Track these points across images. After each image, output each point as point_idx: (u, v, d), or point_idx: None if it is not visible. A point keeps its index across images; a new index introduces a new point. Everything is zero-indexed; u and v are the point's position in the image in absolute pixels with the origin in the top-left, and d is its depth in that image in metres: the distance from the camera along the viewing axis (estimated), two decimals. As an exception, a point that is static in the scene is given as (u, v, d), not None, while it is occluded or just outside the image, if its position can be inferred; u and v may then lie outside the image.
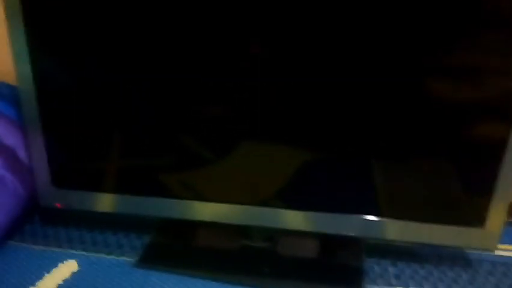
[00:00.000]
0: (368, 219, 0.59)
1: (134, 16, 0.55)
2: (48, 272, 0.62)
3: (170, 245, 0.68)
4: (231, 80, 0.56)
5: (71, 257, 0.65)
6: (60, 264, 0.63)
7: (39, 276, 0.61)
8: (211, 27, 0.54)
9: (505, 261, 0.65)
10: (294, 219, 0.61)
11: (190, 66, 0.56)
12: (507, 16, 0.49)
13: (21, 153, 0.66)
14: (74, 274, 0.62)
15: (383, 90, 0.54)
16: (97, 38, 0.57)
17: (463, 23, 0.50)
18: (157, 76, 0.57)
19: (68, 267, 0.63)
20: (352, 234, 0.60)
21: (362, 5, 0.50)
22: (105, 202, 0.64)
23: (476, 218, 0.57)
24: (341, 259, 0.64)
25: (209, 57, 0.55)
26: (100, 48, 0.57)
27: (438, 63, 0.52)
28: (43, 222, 0.72)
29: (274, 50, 0.54)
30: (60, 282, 0.61)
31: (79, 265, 0.64)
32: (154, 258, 0.65)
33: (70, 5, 0.56)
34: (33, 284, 0.60)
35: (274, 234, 0.66)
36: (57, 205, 0.65)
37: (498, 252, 0.64)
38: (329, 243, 0.66)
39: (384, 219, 0.59)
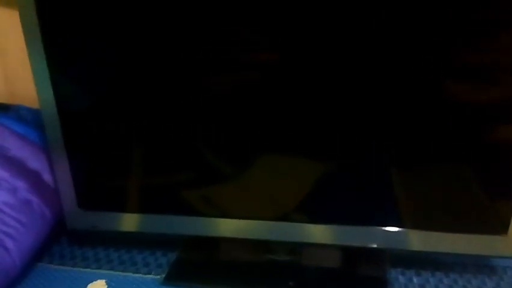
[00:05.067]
0: (391, 231, 0.59)
1: (152, 41, 0.56)
2: (78, 292, 0.64)
3: (196, 261, 0.69)
4: (249, 93, 0.57)
5: (100, 276, 0.66)
6: (89, 284, 0.65)
7: (70, 297, 0.63)
8: (233, 37, 0.54)
9: (530, 267, 0.65)
10: (316, 232, 0.61)
11: (208, 81, 0.57)
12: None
13: (47, 177, 0.68)
14: (103, 293, 0.64)
15: (400, 98, 0.54)
16: (116, 60, 0.58)
17: (481, 22, 0.49)
18: (176, 93, 0.58)
19: (97, 287, 0.64)
20: (375, 246, 0.60)
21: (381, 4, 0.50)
22: (130, 222, 0.66)
23: (499, 225, 0.57)
24: (365, 270, 0.65)
25: (228, 70, 0.56)
26: (119, 70, 0.59)
27: (456, 65, 0.51)
28: (70, 243, 0.73)
29: (290, 60, 0.54)
30: (91, 301, 0.62)
31: (107, 284, 0.65)
32: (180, 275, 0.66)
33: (88, 30, 0.57)
34: (64, 305, 0.62)
35: (298, 247, 0.67)
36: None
37: (523, 259, 0.64)
38: (353, 254, 0.66)
39: (407, 230, 0.59)
